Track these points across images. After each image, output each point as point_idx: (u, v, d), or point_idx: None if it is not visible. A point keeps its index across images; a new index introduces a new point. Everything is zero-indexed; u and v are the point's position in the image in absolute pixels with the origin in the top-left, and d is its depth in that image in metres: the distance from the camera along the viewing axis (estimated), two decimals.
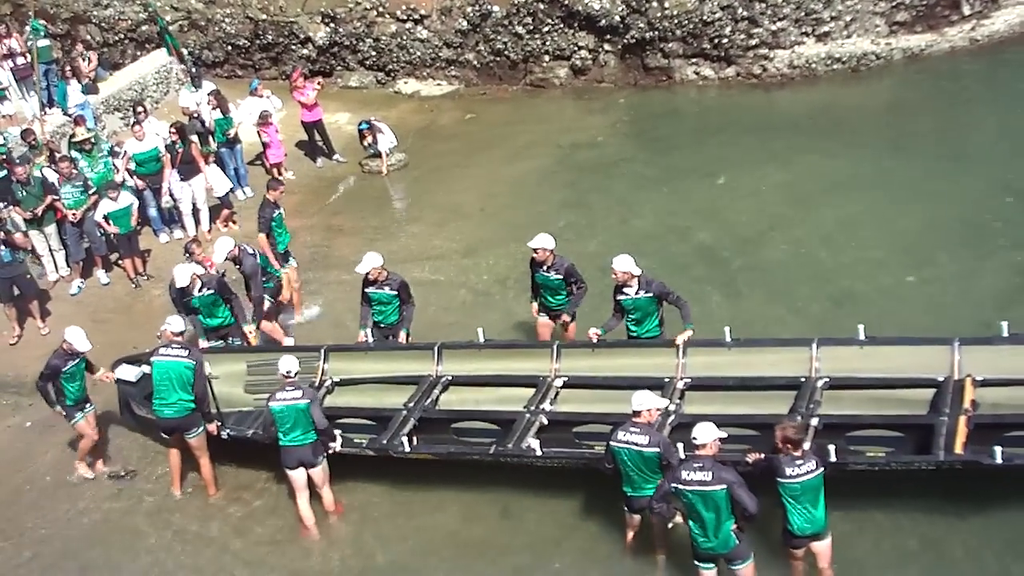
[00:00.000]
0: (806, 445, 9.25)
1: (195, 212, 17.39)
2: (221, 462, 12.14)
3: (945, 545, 9.67)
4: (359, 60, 22.80)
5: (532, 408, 11.38)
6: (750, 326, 12.61)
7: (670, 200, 16.72)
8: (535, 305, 12.55)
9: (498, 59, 21.97)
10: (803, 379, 10.94)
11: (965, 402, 10.11)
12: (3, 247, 14.75)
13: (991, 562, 9.45)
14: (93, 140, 17.09)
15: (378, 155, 19.35)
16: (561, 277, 12.10)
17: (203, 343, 13.14)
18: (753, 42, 20.36)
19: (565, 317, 12.29)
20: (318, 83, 19.99)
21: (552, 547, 10.49)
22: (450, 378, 12.21)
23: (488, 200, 17.83)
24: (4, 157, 16.26)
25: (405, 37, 22.28)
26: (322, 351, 12.77)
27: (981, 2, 20.00)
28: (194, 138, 17.26)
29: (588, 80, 21.59)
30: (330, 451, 11.12)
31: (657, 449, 9.30)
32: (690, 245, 15.31)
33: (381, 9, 22.17)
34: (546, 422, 11.21)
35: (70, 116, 18.47)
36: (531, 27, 21.38)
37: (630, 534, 9.97)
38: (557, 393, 11.67)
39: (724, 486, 8.64)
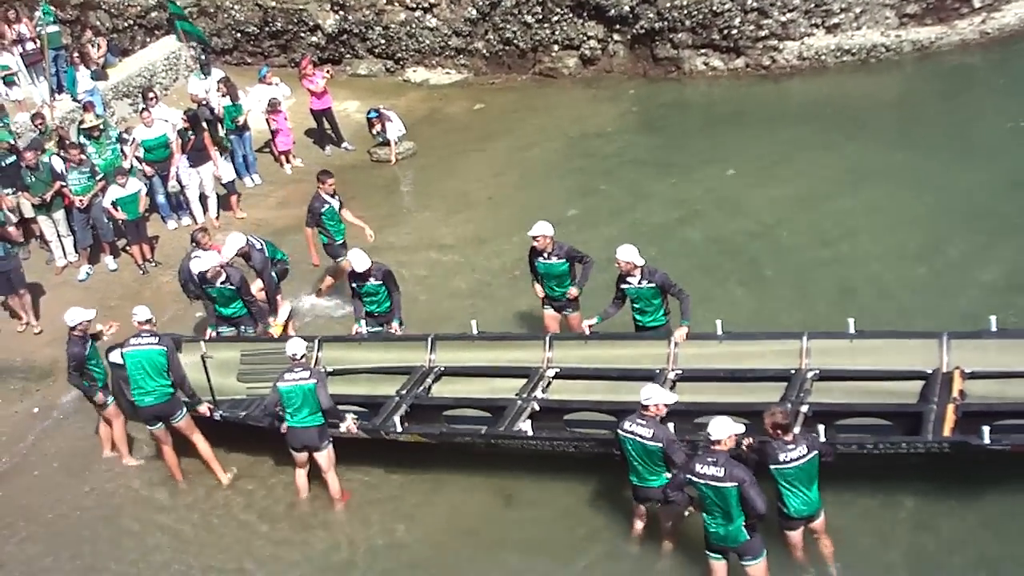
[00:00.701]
0: (796, 429, 9.39)
1: (203, 199, 17.42)
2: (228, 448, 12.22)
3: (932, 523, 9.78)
4: (368, 48, 22.81)
5: (524, 395, 11.51)
6: (756, 315, 12.67)
7: (678, 190, 16.72)
8: (539, 287, 12.52)
9: (507, 48, 21.95)
10: (793, 371, 11.03)
11: (954, 392, 10.18)
12: None
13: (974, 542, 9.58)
14: (102, 127, 17.11)
15: (387, 143, 19.35)
16: (564, 260, 12.14)
17: (210, 332, 13.20)
18: (763, 33, 20.32)
19: (573, 291, 12.30)
20: (327, 71, 20.00)
21: (560, 538, 10.49)
22: (443, 368, 12.32)
23: (496, 189, 17.84)
24: (12, 144, 16.30)
25: (414, 25, 22.28)
26: (317, 341, 12.85)
27: None
28: (205, 126, 17.29)
29: (597, 70, 21.58)
30: (340, 431, 11.20)
31: (660, 444, 9.36)
32: (698, 235, 15.31)
33: None
34: (537, 408, 11.34)
35: (79, 102, 18.50)
36: (540, 16, 21.37)
37: (638, 524, 10.01)
38: (549, 383, 11.79)
39: (735, 484, 8.67)
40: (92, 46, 20.48)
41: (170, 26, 22.05)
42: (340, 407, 11.35)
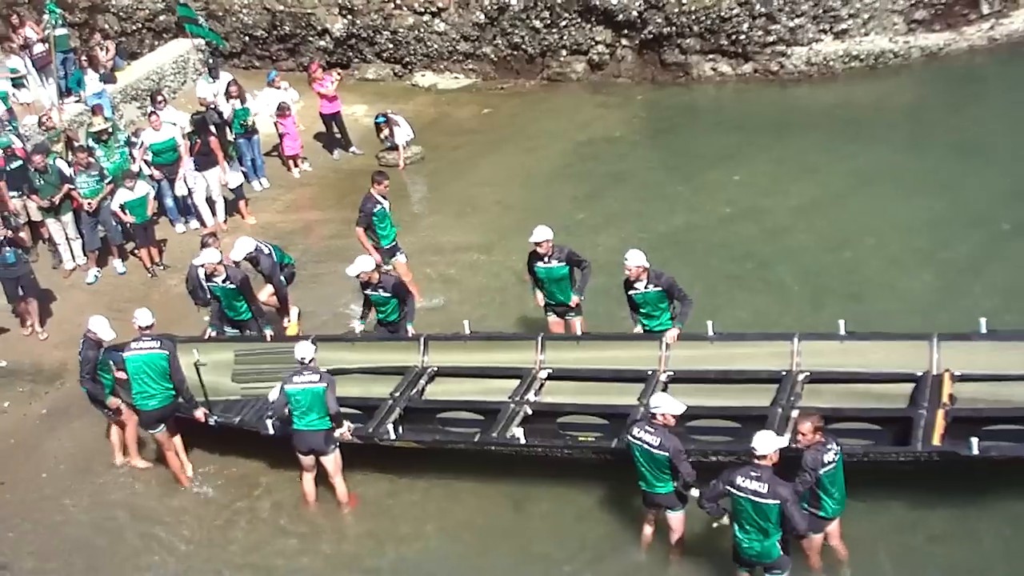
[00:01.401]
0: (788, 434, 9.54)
1: (211, 203, 17.42)
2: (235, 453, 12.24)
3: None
4: (376, 52, 22.84)
5: (516, 398, 11.54)
6: (762, 319, 12.68)
7: (686, 196, 16.72)
8: (539, 295, 12.53)
9: (515, 53, 21.97)
10: (784, 373, 11.05)
11: (944, 396, 10.17)
12: (8, 248, 14.64)
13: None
14: (110, 130, 17.13)
15: (395, 148, 19.33)
16: (564, 263, 12.15)
17: (210, 332, 13.20)
18: (771, 39, 20.31)
19: (576, 299, 12.33)
20: (336, 75, 20.02)
21: (567, 542, 10.50)
22: (436, 369, 12.33)
23: (504, 194, 17.83)
24: (21, 148, 16.32)
25: (422, 30, 22.29)
26: (310, 340, 12.81)
27: (1000, 1, 19.93)
28: (213, 130, 17.30)
29: (605, 75, 21.57)
30: (335, 436, 11.12)
31: (666, 453, 9.36)
32: (705, 240, 15.30)
33: (399, 1, 22.22)
34: (530, 412, 11.39)
35: (88, 105, 18.53)
36: (548, 21, 21.37)
37: (647, 529, 10.00)
38: (542, 384, 11.83)
39: (777, 502, 8.58)
40: (100, 49, 20.52)
41: (179, 29, 22.10)
42: None
